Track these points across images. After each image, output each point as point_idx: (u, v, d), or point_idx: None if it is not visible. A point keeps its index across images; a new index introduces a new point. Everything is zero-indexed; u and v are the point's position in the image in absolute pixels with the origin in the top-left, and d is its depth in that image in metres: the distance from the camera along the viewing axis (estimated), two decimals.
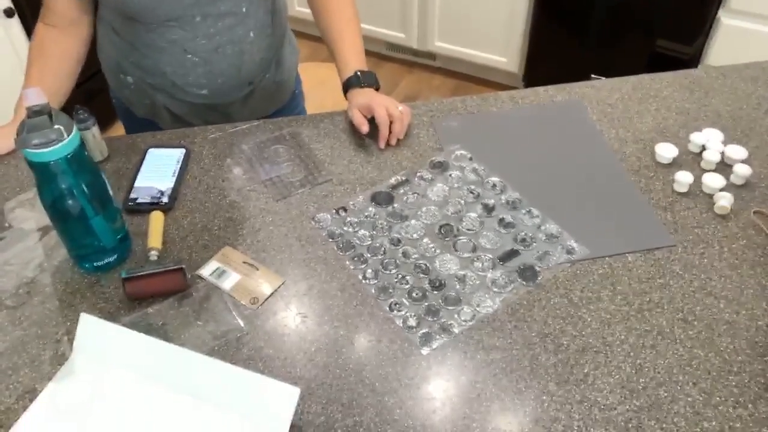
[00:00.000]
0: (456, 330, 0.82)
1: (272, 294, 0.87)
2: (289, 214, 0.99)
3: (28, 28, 2.17)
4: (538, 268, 0.90)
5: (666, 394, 0.75)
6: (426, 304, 0.85)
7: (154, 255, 0.89)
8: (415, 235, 0.94)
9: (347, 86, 1.15)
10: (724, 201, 0.97)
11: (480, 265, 0.90)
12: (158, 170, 1.05)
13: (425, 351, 0.80)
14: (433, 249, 0.93)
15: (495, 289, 0.87)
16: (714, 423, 0.73)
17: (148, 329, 0.83)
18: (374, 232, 0.95)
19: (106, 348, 0.78)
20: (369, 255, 0.91)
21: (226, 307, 0.86)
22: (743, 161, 1.05)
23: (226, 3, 1.09)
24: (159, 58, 1.13)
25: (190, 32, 1.10)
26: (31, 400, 0.76)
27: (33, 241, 0.95)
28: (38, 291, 0.88)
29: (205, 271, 0.90)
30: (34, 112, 0.77)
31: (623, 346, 0.81)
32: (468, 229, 0.96)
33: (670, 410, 0.74)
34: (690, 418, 0.73)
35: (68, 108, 1.00)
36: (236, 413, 0.73)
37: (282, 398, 0.71)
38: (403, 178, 1.03)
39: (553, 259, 0.91)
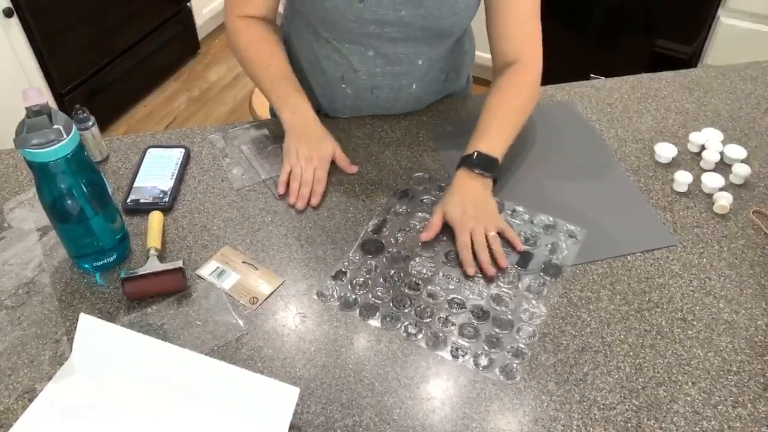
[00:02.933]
0: (527, 351, 0.80)
1: (272, 294, 0.87)
2: (288, 214, 0.99)
3: (28, 28, 2.18)
4: (556, 262, 0.90)
5: (665, 394, 0.75)
6: (484, 335, 0.82)
7: (153, 255, 0.89)
8: (427, 272, 0.90)
9: (459, 164, 0.99)
10: (724, 201, 0.97)
11: (505, 280, 0.88)
12: (158, 170, 1.05)
13: (510, 382, 0.77)
14: (453, 279, 0.89)
15: (533, 297, 0.86)
16: (713, 422, 0.73)
17: (148, 329, 0.83)
18: (387, 284, 0.88)
19: (105, 348, 0.78)
20: (397, 310, 0.85)
21: (225, 307, 0.86)
22: (742, 161, 1.05)
23: (407, 47, 1.05)
24: (315, 78, 1.11)
25: (355, 63, 1.07)
26: (30, 400, 0.76)
27: (32, 241, 0.95)
28: (37, 291, 0.88)
29: (205, 271, 0.90)
30: (33, 112, 0.77)
31: (623, 345, 0.81)
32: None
33: (670, 410, 0.74)
34: (689, 417, 0.73)
35: (68, 108, 1.00)
36: (236, 413, 0.73)
37: (281, 398, 0.71)
38: (380, 219, 0.97)
39: (563, 247, 0.92)
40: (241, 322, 0.84)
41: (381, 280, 0.89)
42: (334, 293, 0.87)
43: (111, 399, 0.76)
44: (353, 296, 0.87)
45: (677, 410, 0.74)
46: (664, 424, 0.73)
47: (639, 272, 0.89)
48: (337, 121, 1.16)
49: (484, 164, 0.96)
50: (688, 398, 0.75)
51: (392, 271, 0.90)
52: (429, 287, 0.88)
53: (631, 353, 0.80)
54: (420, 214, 0.98)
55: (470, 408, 0.75)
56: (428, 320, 0.84)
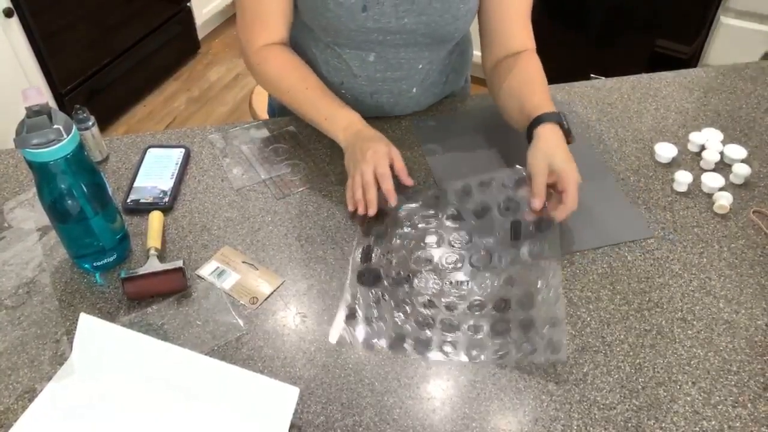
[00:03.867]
0: (561, 317, 0.80)
1: (272, 294, 0.87)
2: (288, 213, 0.99)
3: (28, 28, 2.18)
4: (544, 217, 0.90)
5: (665, 394, 0.75)
6: (517, 322, 0.81)
7: (153, 255, 0.89)
8: (434, 285, 0.87)
9: (539, 121, 0.94)
10: (724, 200, 0.97)
11: (507, 259, 0.88)
12: (158, 170, 1.05)
13: (558, 356, 0.77)
14: (462, 284, 0.86)
15: (540, 260, 0.86)
16: (713, 422, 0.73)
17: (148, 329, 0.83)
18: (400, 313, 0.84)
19: (105, 348, 0.78)
20: (423, 332, 0.82)
21: (225, 307, 0.86)
22: (742, 161, 1.05)
23: (408, 52, 1.05)
24: None
25: (355, 69, 1.07)
26: (30, 400, 0.76)
27: (32, 241, 0.95)
28: (38, 291, 0.88)
29: (205, 270, 0.90)
30: (33, 112, 0.77)
31: (622, 345, 0.81)
32: (460, 244, 0.92)
33: (670, 409, 0.74)
34: (689, 417, 0.73)
35: (68, 108, 1.00)
36: (236, 413, 0.73)
37: (281, 398, 0.71)
38: (364, 246, 0.92)
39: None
40: (241, 322, 0.84)
41: (394, 308, 0.85)
42: (356, 336, 0.82)
43: (111, 399, 0.76)
44: (375, 334, 0.82)
45: (677, 410, 0.74)
46: (664, 424, 0.73)
47: (639, 272, 0.89)
48: None
49: (565, 120, 0.95)
50: (688, 398, 0.75)
51: (400, 296, 0.86)
52: (444, 299, 0.85)
53: (631, 353, 0.80)
54: (400, 230, 0.94)
55: (470, 408, 0.75)
56: (458, 333, 0.81)
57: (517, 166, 0.96)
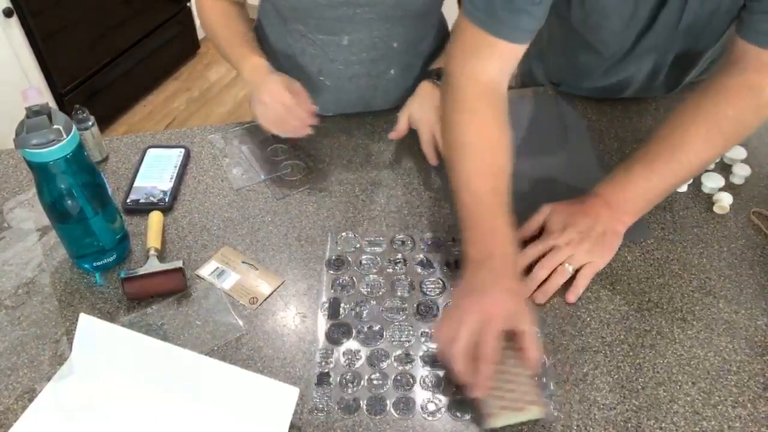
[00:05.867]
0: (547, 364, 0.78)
1: (271, 294, 0.87)
2: (288, 214, 0.99)
3: (28, 28, 2.18)
4: None
5: (665, 394, 0.75)
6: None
7: (153, 255, 0.89)
8: (408, 336, 0.81)
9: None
10: (724, 201, 0.97)
11: None
12: (157, 170, 1.05)
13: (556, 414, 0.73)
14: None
15: None
16: (713, 422, 0.73)
17: (148, 329, 0.83)
18: (377, 368, 0.78)
19: (105, 348, 0.78)
20: (406, 391, 0.76)
21: (225, 307, 0.86)
22: (742, 161, 1.05)
23: (380, 30, 1.05)
24: (294, 75, 1.07)
25: (331, 53, 1.07)
26: (30, 401, 0.76)
27: (32, 241, 0.95)
28: (37, 291, 0.88)
29: (205, 271, 0.90)
30: (33, 112, 0.77)
31: (622, 345, 0.80)
32: (434, 293, 0.86)
33: (669, 410, 0.74)
34: (689, 417, 0.73)
35: (68, 108, 1.00)
36: (236, 413, 0.73)
37: (281, 398, 0.71)
38: (330, 299, 0.86)
39: None
40: (241, 322, 0.84)
41: (368, 366, 0.78)
42: (329, 402, 0.75)
43: (110, 399, 0.76)
44: (352, 397, 0.75)
45: (677, 410, 0.74)
46: (664, 424, 0.73)
47: (639, 272, 0.89)
48: (337, 120, 1.16)
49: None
50: (688, 398, 0.75)
51: (373, 351, 0.80)
52: (421, 351, 0.80)
53: (631, 353, 0.80)
54: (368, 277, 0.88)
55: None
56: (438, 392, 0.76)
57: None
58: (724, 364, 0.78)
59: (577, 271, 0.85)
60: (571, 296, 0.84)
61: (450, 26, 1.15)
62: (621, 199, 0.87)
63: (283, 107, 0.97)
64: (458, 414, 0.74)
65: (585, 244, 0.85)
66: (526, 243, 0.88)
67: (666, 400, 0.75)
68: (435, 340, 0.79)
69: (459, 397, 0.75)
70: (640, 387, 0.76)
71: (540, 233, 0.90)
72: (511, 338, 0.73)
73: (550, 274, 0.85)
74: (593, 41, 1.05)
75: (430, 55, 1.16)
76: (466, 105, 0.87)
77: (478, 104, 0.86)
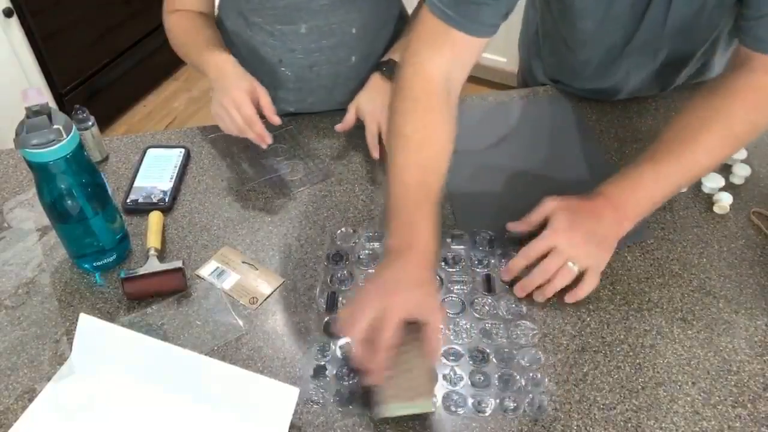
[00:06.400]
0: (542, 378, 0.77)
1: (271, 294, 0.87)
2: (288, 214, 0.99)
3: (28, 28, 2.18)
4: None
5: (665, 394, 0.75)
6: (495, 377, 0.77)
7: (153, 255, 0.89)
8: None
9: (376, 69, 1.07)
10: (724, 201, 0.97)
11: (483, 311, 0.84)
12: (157, 170, 1.05)
13: (545, 415, 0.73)
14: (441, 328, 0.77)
15: (518, 318, 0.83)
16: (713, 422, 0.73)
17: (148, 329, 0.83)
18: None
19: (105, 348, 0.78)
20: None
21: (225, 307, 0.86)
22: (742, 161, 1.04)
23: (337, 16, 1.05)
24: (256, 68, 1.08)
25: (290, 43, 1.08)
26: (30, 400, 0.76)
27: (32, 241, 0.95)
28: (37, 291, 0.88)
29: (205, 271, 0.90)
30: (33, 112, 0.77)
31: (622, 345, 0.80)
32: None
33: (669, 410, 0.74)
34: (689, 417, 0.73)
35: (68, 108, 1.00)
36: (236, 413, 0.73)
37: (281, 398, 0.71)
38: (328, 293, 0.86)
39: (514, 255, 0.87)
40: (241, 322, 0.84)
41: None
42: (325, 395, 0.75)
43: (111, 399, 0.76)
44: (348, 390, 0.76)
45: (677, 410, 0.74)
46: (663, 424, 0.73)
47: (639, 272, 0.89)
48: (337, 120, 1.15)
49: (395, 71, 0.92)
50: (688, 398, 0.75)
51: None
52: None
53: (630, 353, 0.79)
54: (366, 272, 0.88)
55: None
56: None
57: (489, 232, 0.93)
58: (724, 364, 0.78)
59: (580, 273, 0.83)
60: (572, 298, 0.83)
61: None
62: (627, 200, 0.84)
63: (243, 119, 0.97)
64: (453, 408, 0.74)
65: (589, 246, 0.83)
66: (529, 237, 0.87)
67: (666, 400, 0.75)
68: (337, 322, 0.78)
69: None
70: (640, 387, 0.76)
71: (540, 229, 0.87)
72: (419, 330, 0.73)
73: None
74: (570, 41, 1.05)
75: (390, 43, 1.16)
76: (411, 93, 0.85)
77: (424, 95, 0.85)
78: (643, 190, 0.84)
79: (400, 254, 0.76)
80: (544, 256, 0.83)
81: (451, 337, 0.81)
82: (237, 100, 0.96)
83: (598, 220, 0.83)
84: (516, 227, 0.88)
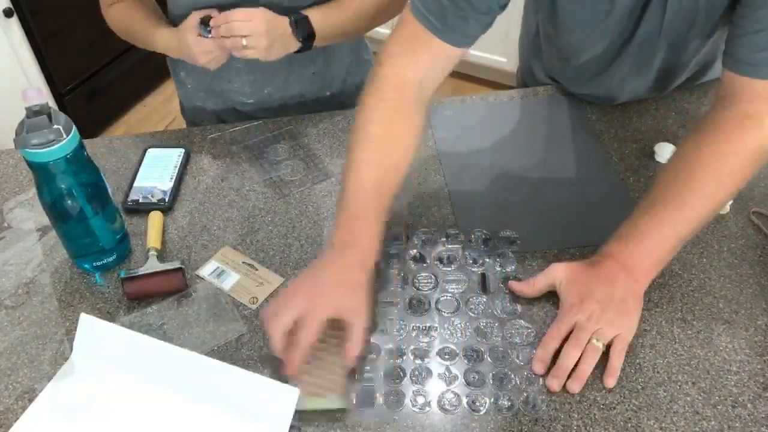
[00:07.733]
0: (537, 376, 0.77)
1: (271, 294, 0.87)
2: (288, 213, 0.99)
3: (28, 28, 2.18)
4: (511, 273, 0.88)
5: (665, 394, 0.75)
6: (491, 376, 0.77)
7: (153, 255, 0.89)
8: (402, 332, 0.80)
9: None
10: None
11: (478, 310, 0.84)
12: (157, 170, 1.05)
13: (540, 413, 0.73)
14: (431, 329, 0.81)
15: (513, 317, 0.83)
16: (713, 422, 0.73)
17: (148, 329, 0.83)
18: (367, 365, 0.77)
19: (105, 348, 0.78)
20: (396, 384, 0.76)
21: (225, 307, 0.86)
22: None
23: None
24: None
25: None
26: (30, 401, 0.76)
27: (32, 241, 0.95)
28: (37, 291, 0.88)
29: (205, 271, 0.90)
30: (33, 112, 0.77)
31: None
32: (427, 288, 0.86)
33: (669, 410, 0.74)
34: (689, 417, 0.73)
35: (68, 108, 1.00)
36: (236, 414, 0.73)
37: (282, 399, 0.71)
38: None
39: (509, 255, 0.90)
40: (241, 322, 0.84)
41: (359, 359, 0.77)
42: None
43: (111, 399, 0.76)
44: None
45: (677, 410, 0.74)
46: (664, 424, 0.73)
47: None
48: (337, 119, 1.16)
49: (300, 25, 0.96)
50: (688, 398, 0.75)
51: (365, 344, 0.77)
52: (412, 345, 0.80)
53: (630, 353, 0.79)
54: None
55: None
56: (429, 383, 0.76)
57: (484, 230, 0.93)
58: (724, 364, 0.78)
59: (607, 347, 0.77)
60: (611, 380, 0.75)
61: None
62: (636, 257, 0.80)
63: (219, 49, 1.01)
64: (447, 407, 0.74)
65: (608, 314, 0.77)
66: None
67: (666, 400, 0.75)
68: (263, 313, 0.78)
69: (450, 387, 0.76)
70: (640, 387, 0.76)
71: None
72: (343, 328, 0.74)
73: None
74: (563, 52, 1.06)
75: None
76: (380, 93, 0.85)
77: (394, 95, 0.85)
78: (649, 242, 0.80)
79: (342, 251, 0.78)
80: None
81: (446, 336, 0.81)
82: (205, 47, 1.01)
83: (611, 284, 0.79)
84: (520, 290, 0.84)
